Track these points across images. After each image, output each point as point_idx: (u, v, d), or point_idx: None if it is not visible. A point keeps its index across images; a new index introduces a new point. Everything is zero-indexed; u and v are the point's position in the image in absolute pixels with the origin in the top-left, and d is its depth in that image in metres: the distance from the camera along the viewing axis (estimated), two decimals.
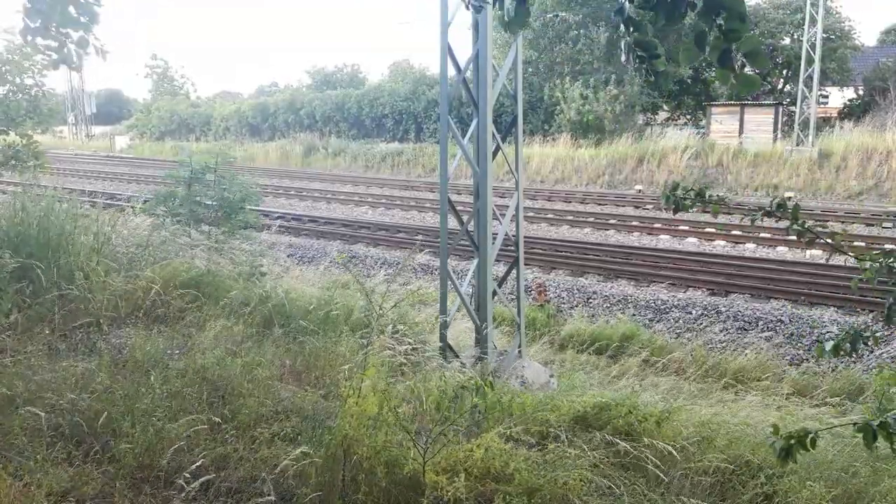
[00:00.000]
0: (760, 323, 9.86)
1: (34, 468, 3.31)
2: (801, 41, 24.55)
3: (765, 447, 3.86)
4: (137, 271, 6.19)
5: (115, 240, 7.02)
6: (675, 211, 2.72)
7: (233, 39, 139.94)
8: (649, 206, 20.09)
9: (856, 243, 14.44)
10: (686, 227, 16.54)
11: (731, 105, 26.42)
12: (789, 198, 21.14)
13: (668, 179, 23.72)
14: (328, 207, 21.39)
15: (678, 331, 9.99)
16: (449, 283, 6.42)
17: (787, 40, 29.64)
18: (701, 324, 10.05)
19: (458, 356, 6.28)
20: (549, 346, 9.09)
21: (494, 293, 6.68)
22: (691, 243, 15.23)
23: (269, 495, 3.23)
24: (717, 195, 2.80)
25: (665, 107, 31.35)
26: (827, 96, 31.46)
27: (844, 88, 31.21)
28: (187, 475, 3.27)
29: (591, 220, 17.96)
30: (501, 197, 16.04)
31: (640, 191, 23.32)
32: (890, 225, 16.44)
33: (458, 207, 6.87)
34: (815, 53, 23.44)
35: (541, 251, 14.01)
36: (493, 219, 6.42)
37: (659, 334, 9.75)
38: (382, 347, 4.52)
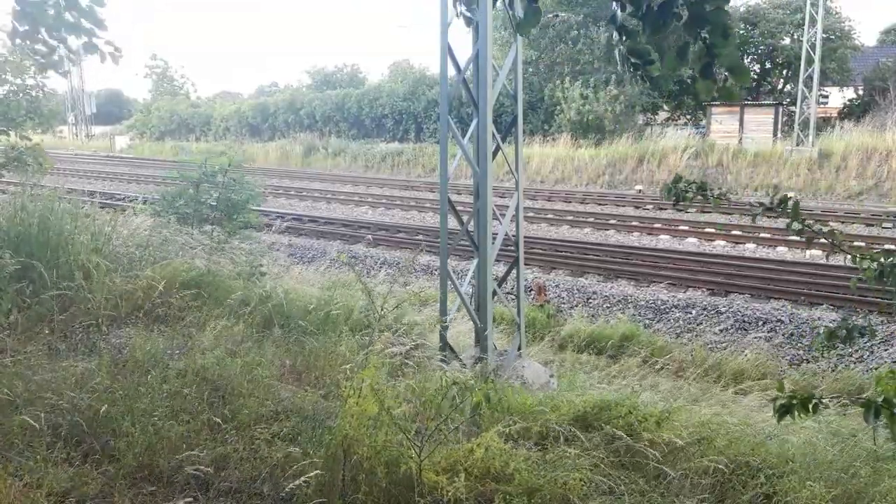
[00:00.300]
0: (760, 323, 9.87)
1: (34, 468, 3.31)
2: (801, 41, 24.56)
3: (765, 447, 3.86)
4: (137, 271, 6.19)
5: (115, 240, 7.01)
6: (676, 202, 2.73)
7: (230, 43, 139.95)
8: (649, 206, 20.09)
9: (856, 243, 14.45)
10: (686, 227, 16.54)
11: (730, 105, 26.42)
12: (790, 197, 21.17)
13: (668, 179, 23.65)
14: (328, 207, 21.39)
15: (678, 331, 9.99)
16: (449, 283, 6.42)
17: (787, 40, 29.65)
18: (701, 324, 10.05)
19: (458, 356, 6.28)
20: (549, 346, 9.09)
21: (494, 293, 6.68)
22: (691, 243, 15.24)
23: (269, 495, 3.23)
24: (720, 189, 2.81)
25: (665, 107, 31.35)
26: (827, 96, 31.46)
27: (844, 88, 31.21)
28: (187, 475, 3.27)
29: (591, 220, 17.96)
30: (501, 197, 16.04)
31: (640, 191, 23.32)
32: (890, 225, 16.44)
33: (458, 207, 6.87)
34: (815, 53, 23.44)
35: (541, 251, 14.01)
36: (493, 219, 6.42)
37: (659, 334, 9.75)
38: (383, 347, 4.53)
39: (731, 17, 1.89)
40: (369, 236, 15.53)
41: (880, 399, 2.18)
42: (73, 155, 40.40)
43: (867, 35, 45.81)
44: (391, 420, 3.31)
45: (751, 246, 14.73)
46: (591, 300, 11.26)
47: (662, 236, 16.10)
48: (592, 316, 10.61)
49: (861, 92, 30.44)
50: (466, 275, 7.31)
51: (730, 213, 18.55)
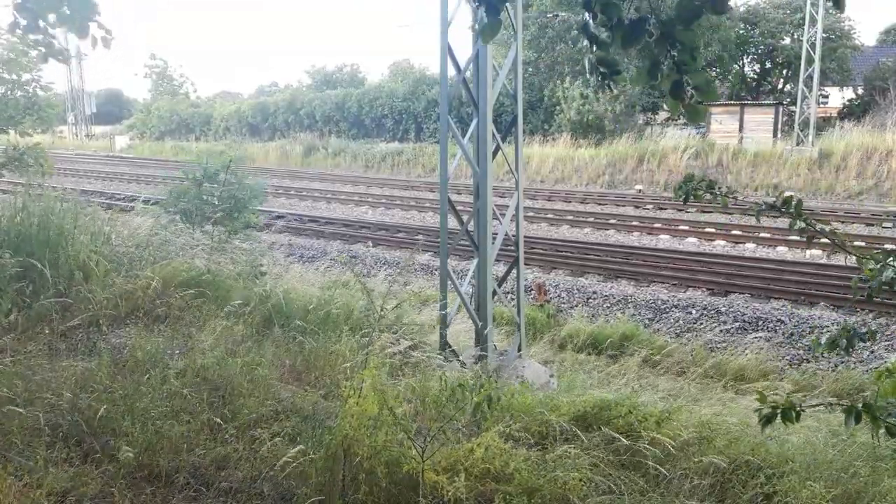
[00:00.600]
0: (760, 323, 9.87)
1: (34, 468, 3.31)
2: (801, 41, 24.56)
3: (765, 447, 3.86)
4: (137, 271, 6.19)
5: (115, 239, 7.02)
6: (686, 200, 2.79)
7: (232, 42, 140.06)
8: (649, 206, 20.09)
9: (856, 243, 14.45)
10: (686, 227, 16.54)
11: (730, 105, 26.45)
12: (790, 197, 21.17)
13: (668, 179, 23.74)
14: (328, 207, 21.40)
15: (678, 331, 9.99)
16: (449, 282, 6.42)
17: (787, 40, 29.67)
18: (701, 324, 10.05)
19: (458, 356, 6.28)
20: (549, 346, 9.09)
21: (494, 293, 6.68)
22: (691, 243, 15.24)
23: (269, 495, 3.23)
24: (727, 187, 2.85)
25: (665, 106, 31.34)
26: (827, 96, 31.47)
27: (844, 88, 31.22)
28: (187, 475, 3.27)
29: (591, 220, 17.96)
30: (501, 197, 16.04)
31: (640, 191, 23.33)
32: (890, 225, 16.45)
33: (458, 207, 6.87)
34: (815, 53, 23.45)
35: (541, 251, 14.01)
36: (493, 219, 6.42)
37: (659, 334, 9.75)
38: (383, 347, 4.53)
39: (699, 38, 1.92)
40: (369, 243, 15.54)
41: (860, 405, 2.21)
42: (73, 155, 40.40)
43: (867, 35, 45.84)
44: (394, 420, 3.31)
45: (751, 246, 14.73)
46: (591, 300, 11.26)
47: (662, 236, 16.10)
48: (592, 316, 10.60)
49: (861, 92, 30.44)
50: (466, 275, 7.31)
51: (730, 213, 18.55)
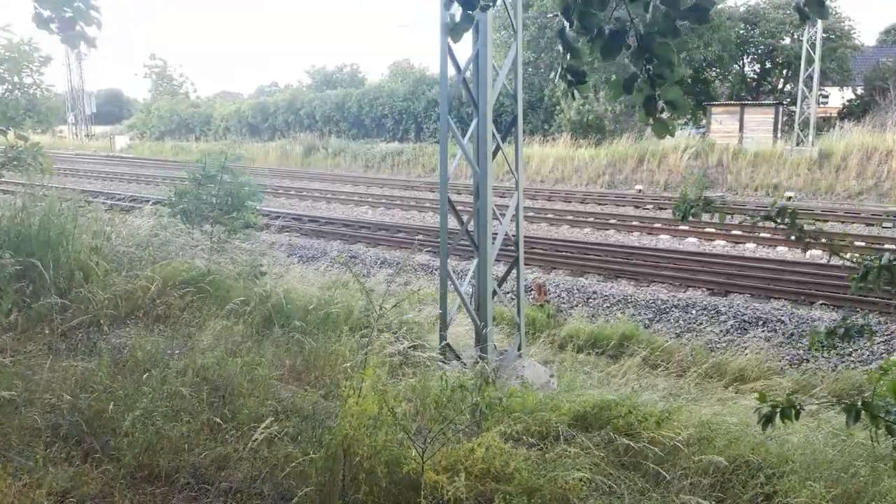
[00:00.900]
0: (760, 323, 9.87)
1: (34, 468, 3.31)
2: (801, 41, 24.57)
3: (765, 447, 3.86)
4: (137, 271, 6.19)
5: (115, 239, 7.02)
6: (684, 218, 2.81)
7: (232, 42, 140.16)
8: (649, 206, 20.09)
9: (856, 243, 14.45)
10: (686, 227, 16.53)
11: (730, 105, 26.45)
12: (790, 198, 21.17)
13: (668, 179, 23.75)
14: (328, 207, 21.39)
15: (678, 331, 9.99)
16: (449, 282, 6.42)
17: (787, 40, 29.65)
18: (701, 324, 10.05)
19: (458, 356, 6.28)
20: (549, 346, 9.08)
21: (494, 293, 6.68)
22: (691, 243, 15.24)
23: (269, 495, 3.23)
24: (721, 195, 2.86)
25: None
26: (827, 96, 31.48)
27: (844, 88, 31.22)
28: (187, 475, 3.27)
29: (591, 220, 17.96)
30: (501, 197, 16.04)
31: (640, 191, 23.33)
32: (890, 225, 16.44)
33: (458, 207, 6.87)
34: (815, 53, 23.45)
35: (541, 251, 14.01)
36: (493, 219, 6.42)
37: (659, 334, 9.75)
38: (382, 347, 4.53)
39: (674, 52, 1.93)
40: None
41: (860, 402, 2.21)
42: (73, 155, 40.41)
43: (867, 35, 45.87)
44: (394, 420, 3.31)
45: (751, 246, 14.73)
46: (591, 300, 11.26)
47: (662, 236, 16.09)
48: (592, 316, 10.61)
49: (861, 92, 30.44)
50: (466, 275, 7.31)
51: (730, 213, 18.54)
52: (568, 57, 2.09)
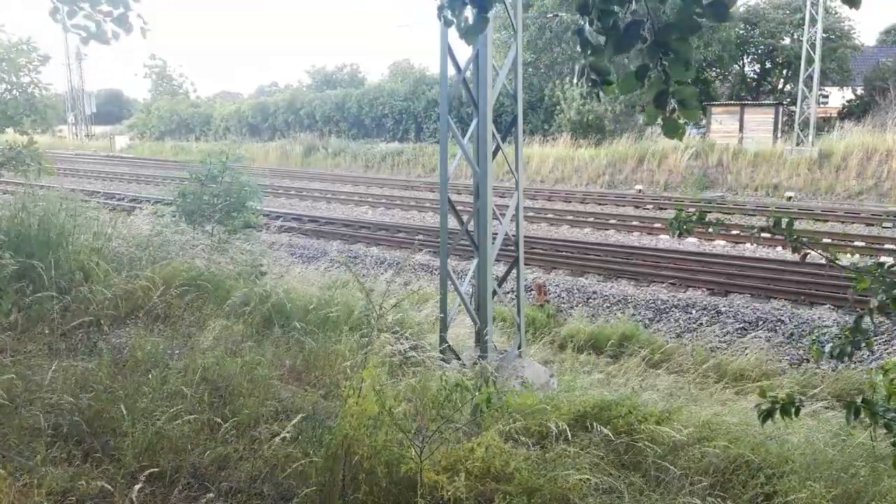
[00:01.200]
0: (760, 323, 9.86)
1: (34, 468, 3.31)
2: (801, 41, 24.55)
3: (765, 447, 3.86)
4: (138, 271, 6.19)
5: (115, 240, 7.01)
6: (680, 235, 2.82)
7: (233, 42, 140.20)
8: (649, 206, 20.09)
9: (856, 243, 14.45)
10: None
11: (730, 105, 26.44)
12: (790, 198, 21.16)
13: (668, 179, 23.75)
14: (328, 207, 21.39)
15: (678, 331, 9.99)
16: (449, 282, 6.41)
17: (787, 40, 29.64)
18: (701, 324, 10.05)
19: (458, 356, 6.28)
20: (549, 346, 9.08)
21: (494, 293, 6.68)
22: (691, 243, 15.23)
23: (269, 495, 3.23)
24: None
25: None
26: (827, 96, 31.47)
27: (844, 88, 31.21)
28: (187, 475, 3.27)
29: (591, 220, 17.96)
30: (501, 197, 16.04)
31: (640, 191, 23.32)
32: (890, 225, 16.44)
33: (458, 207, 6.86)
34: (815, 53, 23.44)
35: (541, 251, 14.01)
36: (493, 219, 6.42)
37: (659, 334, 9.75)
38: (382, 347, 4.53)
39: (692, 49, 1.86)
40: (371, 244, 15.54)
41: (860, 400, 2.23)
42: (73, 155, 40.41)
43: (867, 35, 45.85)
44: (392, 420, 3.31)
45: (751, 246, 14.73)
46: (591, 300, 11.26)
47: (662, 236, 16.09)
48: (592, 316, 10.60)
49: (861, 92, 30.43)
50: (466, 275, 7.31)
51: (730, 213, 18.55)
52: (588, 55, 2.03)
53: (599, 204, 21.04)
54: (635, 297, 11.08)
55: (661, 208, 19.78)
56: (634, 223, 17.40)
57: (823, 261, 2.53)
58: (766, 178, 22.51)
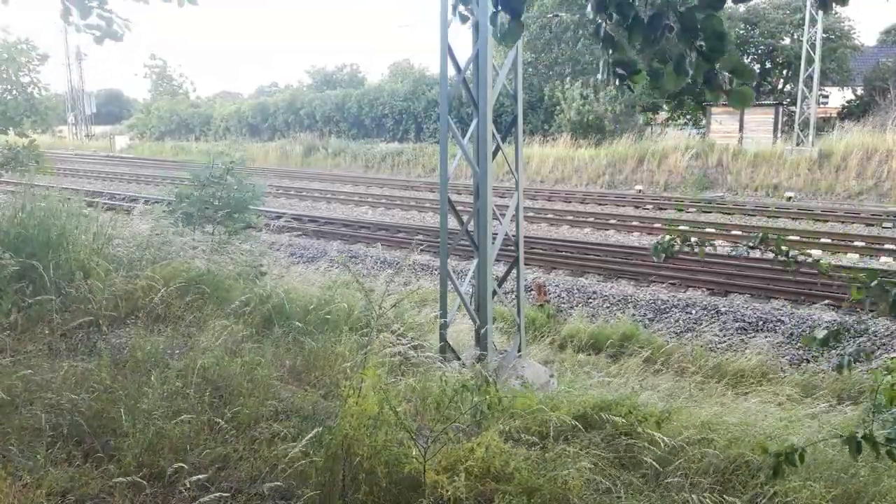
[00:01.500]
0: (760, 323, 9.86)
1: (34, 468, 3.31)
2: (801, 41, 24.55)
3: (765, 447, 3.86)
4: (138, 271, 6.19)
5: (115, 240, 7.01)
6: (667, 258, 2.83)
7: (235, 41, 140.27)
8: (649, 206, 20.09)
9: (856, 243, 14.45)
10: (686, 228, 16.53)
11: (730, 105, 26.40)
12: (789, 198, 21.16)
13: (668, 180, 23.74)
14: (328, 207, 21.39)
15: (678, 331, 9.99)
16: (449, 282, 6.42)
17: (787, 40, 29.64)
18: (701, 324, 10.05)
19: (458, 356, 6.28)
20: (549, 346, 9.09)
21: (494, 293, 6.68)
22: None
23: (269, 495, 3.23)
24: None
25: (665, 107, 31.37)
26: (827, 96, 31.46)
27: (844, 88, 31.21)
28: (187, 475, 3.27)
29: (591, 220, 17.96)
30: (501, 197, 16.04)
31: (640, 191, 23.33)
32: (890, 225, 16.44)
33: (458, 207, 6.87)
34: (815, 53, 23.44)
35: (541, 251, 14.01)
36: (493, 219, 6.42)
37: (659, 334, 9.75)
38: (382, 347, 4.53)
39: (725, 20, 1.84)
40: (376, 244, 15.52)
41: (861, 435, 2.22)
42: (73, 155, 40.41)
43: (867, 35, 45.87)
44: (396, 420, 3.31)
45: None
46: (591, 300, 11.26)
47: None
48: (592, 316, 10.61)
49: (861, 92, 30.43)
50: (466, 275, 7.31)
51: (730, 214, 18.56)
52: (611, 52, 2.02)
53: (599, 204, 21.04)
54: (635, 297, 11.08)
55: (661, 208, 19.78)
56: (634, 223, 17.40)
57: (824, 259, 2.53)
58: (765, 178, 22.51)
